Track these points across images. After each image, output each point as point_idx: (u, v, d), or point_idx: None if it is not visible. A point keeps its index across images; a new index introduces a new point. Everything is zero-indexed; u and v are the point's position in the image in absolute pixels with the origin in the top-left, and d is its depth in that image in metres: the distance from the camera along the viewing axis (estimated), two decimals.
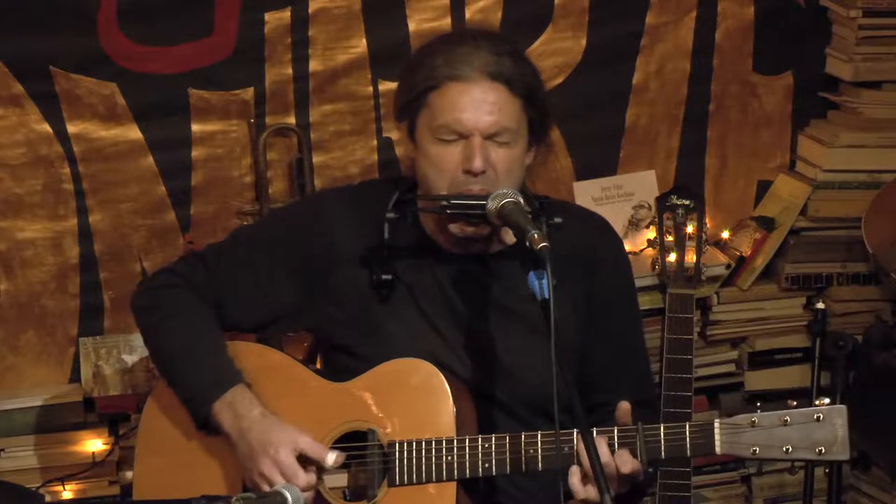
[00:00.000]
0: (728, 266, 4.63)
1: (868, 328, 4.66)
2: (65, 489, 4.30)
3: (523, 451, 3.23)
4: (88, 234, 4.33)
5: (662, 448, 3.16)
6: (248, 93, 4.35)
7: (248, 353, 3.47)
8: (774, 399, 4.25)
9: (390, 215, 3.38)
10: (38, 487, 4.26)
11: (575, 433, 3.16)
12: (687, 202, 4.35)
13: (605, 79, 4.59)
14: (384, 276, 3.38)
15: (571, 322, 3.37)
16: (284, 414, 3.35)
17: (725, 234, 4.73)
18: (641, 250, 4.56)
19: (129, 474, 4.20)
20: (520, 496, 3.37)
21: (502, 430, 3.28)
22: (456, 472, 3.26)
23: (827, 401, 3.07)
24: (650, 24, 4.59)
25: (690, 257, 4.32)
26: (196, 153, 4.36)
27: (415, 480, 3.28)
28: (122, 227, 4.35)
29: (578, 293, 3.41)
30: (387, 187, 3.46)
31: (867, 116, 4.69)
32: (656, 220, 4.39)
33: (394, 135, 4.44)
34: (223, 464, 3.41)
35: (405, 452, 3.28)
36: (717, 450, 3.12)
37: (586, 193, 4.60)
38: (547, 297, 2.99)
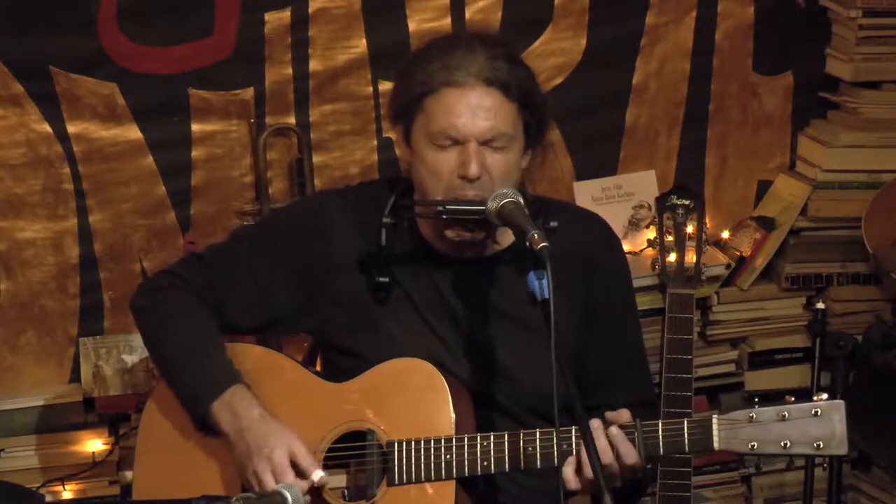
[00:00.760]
0: (728, 266, 4.63)
1: (868, 328, 4.66)
2: (65, 489, 4.30)
3: (522, 449, 3.23)
4: (88, 234, 4.33)
5: (661, 444, 3.15)
6: (248, 93, 4.35)
7: (248, 355, 3.47)
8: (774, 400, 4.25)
9: (387, 220, 3.38)
10: (38, 487, 4.26)
11: (573, 430, 3.16)
12: (687, 202, 4.35)
13: (605, 79, 4.60)
14: (381, 279, 3.38)
15: (570, 323, 3.37)
16: (284, 415, 3.34)
17: (725, 234, 4.74)
18: (641, 250, 4.56)
19: (128, 474, 4.20)
20: (519, 494, 3.36)
21: (501, 431, 3.28)
22: (455, 470, 3.26)
23: (825, 396, 3.07)
24: (650, 24, 4.59)
25: (690, 257, 4.31)
26: (196, 153, 4.36)
27: (414, 480, 3.27)
28: (122, 227, 4.35)
29: (577, 294, 3.40)
30: (385, 189, 3.46)
31: (867, 116, 4.69)
32: (656, 220, 4.38)
33: (394, 135, 4.44)
34: (223, 464, 3.40)
35: (404, 452, 3.28)
36: (715, 445, 3.12)
37: (586, 193, 4.60)
38: (547, 296, 2.99)
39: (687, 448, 3.16)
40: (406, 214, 3.39)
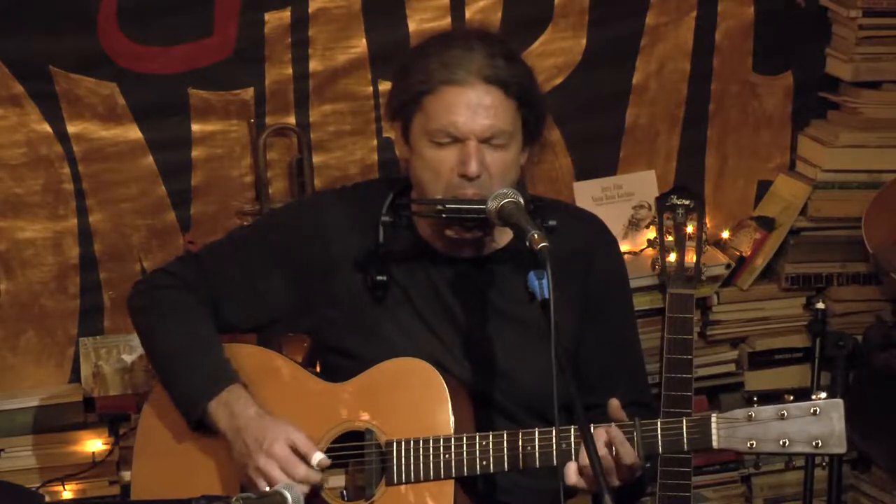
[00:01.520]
0: (728, 266, 4.63)
1: (868, 328, 4.66)
2: (65, 489, 4.30)
3: (521, 449, 3.23)
4: (88, 234, 4.33)
5: (659, 443, 3.15)
6: (248, 93, 4.35)
7: (246, 355, 3.47)
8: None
9: (385, 219, 3.38)
10: (38, 487, 4.26)
11: (572, 430, 3.16)
12: (687, 202, 4.35)
13: (605, 79, 4.59)
14: (379, 278, 3.38)
15: (569, 322, 3.37)
16: (282, 415, 3.34)
17: (725, 234, 4.73)
18: (641, 250, 4.56)
19: (127, 475, 4.20)
20: (518, 494, 3.36)
21: (499, 431, 3.28)
22: (454, 470, 3.26)
23: (824, 395, 3.07)
24: (650, 24, 4.59)
25: (690, 257, 4.31)
26: (196, 153, 4.36)
27: (413, 479, 3.27)
28: (122, 227, 4.35)
29: (574, 294, 3.40)
30: (383, 188, 3.46)
31: (867, 116, 4.69)
32: (656, 220, 4.38)
33: (394, 134, 4.43)
34: (221, 464, 3.40)
35: (403, 451, 3.28)
36: (714, 444, 3.11)
37: (586, 193, 4.60)
38: (547, 296, 2.99)
39: (686, 447, 3.15)
40: (404, 213, 3.39)
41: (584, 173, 4.63)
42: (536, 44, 4.50)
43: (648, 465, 3.19)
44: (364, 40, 4.39)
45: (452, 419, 3.27)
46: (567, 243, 3.35)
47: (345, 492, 3.34)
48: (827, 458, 4.45)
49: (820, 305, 4.64)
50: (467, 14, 4.44)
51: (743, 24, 4.65)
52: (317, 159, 4.42)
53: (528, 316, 3.18)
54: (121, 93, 4.25)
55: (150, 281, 3.58)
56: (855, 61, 4.65)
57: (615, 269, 3.50)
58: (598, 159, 4.65)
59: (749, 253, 4.70)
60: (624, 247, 4.21)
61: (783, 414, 3.08)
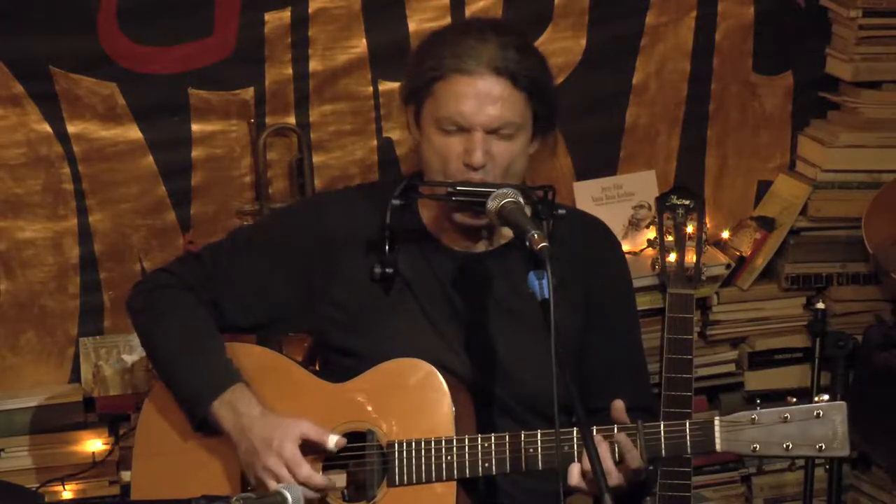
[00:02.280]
0: (728, 266, 4.63)
1: (868, 328, 4.67)
2: (65, 489, 4.30)
3: (523, 451, 3.23)
4: (88, 234, 4.33)
5: (663, 446, 3.15)
6: (248, 93, 4.35)
7: (247, 355, 3.46)
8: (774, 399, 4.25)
9: (395, 202, 3.37)
10: (38, 487, 4.26)
11: (574, 432, 3.16)
12: (687, 202, 4.36)
13: (605, 79, 4.60)
14: (386, 270, 3.37)
15: (572, 322, 3.37)
16: (283, 415, 3.34)
17: (725, 234, 4.73)
18: (641, 250, 4.56)
19: (126, 475, 4.20)
20: (520, 495, 3.36)
21: (501, 430, 3.28)
22: (455, 471, 3.25)
23: (826, 397, 3.07)
24: (650, 24, 4.59)
25: (690, 257, 4.32)
26: (196, 153, 4.36)
27: (414, 480, 3.27)
28: (122, 227, 4.35)
29: (577, 295, 3.40)
30: (387, 188, 3.45)
31: (867, 116, 4.69)
32: (656, 220, 4.39)
33: (394, 135, 4.45)
34: (221, 464, 3.40)
35: (404, 452, 3.28)
36: (718, 447, 3.12)
37: (586, 193, 4.60)
38: (547, 296, 2.99)
39: (689, 450, 3.16)
40: (414, 195, 3.39)
41: (584, 173, 4.63)
42: (536, 44, 4.48)
43: (651, 467, 3.19)
44: (364, 40, 4.39)
45: (454, 420, 3.27)
46: (570, 244, 3.36)
47: (346, 492, 3.34)
48: (828, 459, 4.46)
49: (820, 305, 4.64)
50: (467, 14, 4.44)
51: (743, 25, 4.65)
52: (317, 159, 4.42)
53: (532, 312, 3.17)
54: (121, 93, 4.25)
55: (151, 281, 3.57)
56: (855, 61, 4.66)
57: (619, 273, 3.50)
58: (598, 159, 4.65)
59: (749, 253, 4.70)
60: (624, 247, 4.19)
61: (786, 417, 3.08)
